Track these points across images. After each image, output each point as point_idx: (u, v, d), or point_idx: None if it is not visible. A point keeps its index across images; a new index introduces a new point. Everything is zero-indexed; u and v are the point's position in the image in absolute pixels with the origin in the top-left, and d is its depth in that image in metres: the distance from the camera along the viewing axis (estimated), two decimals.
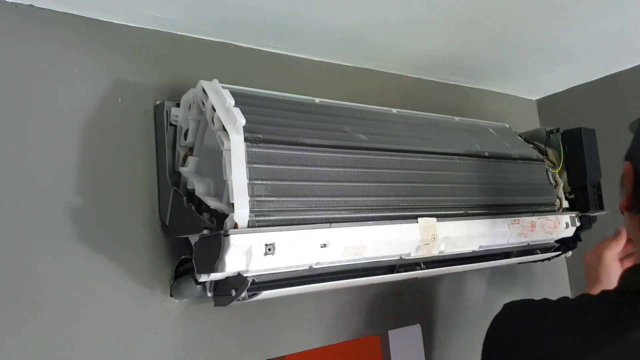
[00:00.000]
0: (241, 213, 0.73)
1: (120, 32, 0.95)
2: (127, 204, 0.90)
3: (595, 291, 0.68)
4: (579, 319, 0.61)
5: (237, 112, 0.78)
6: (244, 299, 0.80)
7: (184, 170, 0.89)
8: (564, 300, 0.68)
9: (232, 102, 0.80)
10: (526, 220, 1.10)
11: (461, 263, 1.05)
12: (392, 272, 0.94)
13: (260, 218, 0.75)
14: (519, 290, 1.50)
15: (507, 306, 0.73)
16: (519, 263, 1.28)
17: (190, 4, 0.91)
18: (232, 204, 0.73)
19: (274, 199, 0.78)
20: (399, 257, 0.92)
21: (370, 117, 1.05)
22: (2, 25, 0.83)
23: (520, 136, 1.34)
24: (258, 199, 0.76)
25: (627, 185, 0.67)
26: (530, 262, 1.27)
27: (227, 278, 0.80)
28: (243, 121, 0.77)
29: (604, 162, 1.31)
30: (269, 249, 0.74)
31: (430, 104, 1.37)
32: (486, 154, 1.14)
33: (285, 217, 0.78)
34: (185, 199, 0.86)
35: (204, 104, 0.83)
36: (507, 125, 1.36)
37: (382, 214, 0.90)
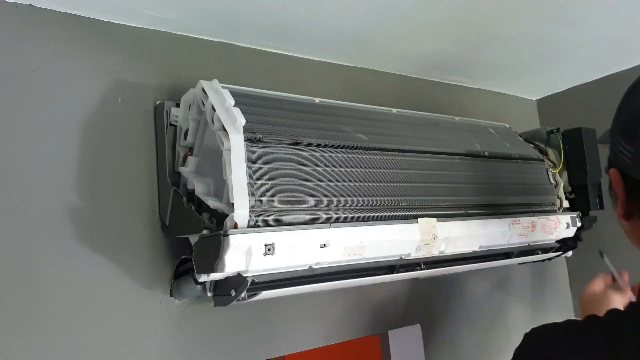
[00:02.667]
0: (241, 213, 0.73)
1: (120, 32, 0.95)
2: (127, 204, 0.90)
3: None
4: (614, 341, 0.57)
5: (237, 112, 0.78)
6: (243, 299, 0.80)
7: (184, 170, 0.89)
8: (592, 320, 0.63)
9: (232, 102, 0.80)
10: (527, 220, 1.10)
11: (461, 263, 1.05)
12: (392, 272, 0.93)
13: (260, 218, 0.75)
14: (519, 290, 1.50)
15: (530, 335, 0.66)
16: (519, 263, 1.28)
17: (190, 4, 0.91)
18: (232, 203, 0.73)
19: (274, 198, 0.78)
20: (399, 257, 0.92)
21: (370, 117, 1.05)
22: (2, 25, 0.83)
23: (521, 136, 1.34)
24: (258, 198, 0.76)
25: (619, 191, 0.63)
26: (530, 262, 1.27)
27: (226, 278, 0.79)
28: (243, 121, 0.77)
29: (605, 161, 1.31)
30: (269, 249, 0.74)
31: (430, 104, 1.37)
32: (486, 153, 1.14)
33: (285, 217, 0.78)
34: (185, 199, 0.86)
35: (203, 104, 0.83)
36: (507, 125, 1.36)
37: (382, 214, 0.90)
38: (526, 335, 0.66)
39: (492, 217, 1.05)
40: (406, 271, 0.96)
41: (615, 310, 0.62)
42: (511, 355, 0.65)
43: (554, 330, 0.65)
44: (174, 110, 0.93)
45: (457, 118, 1.25)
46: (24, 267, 0.80)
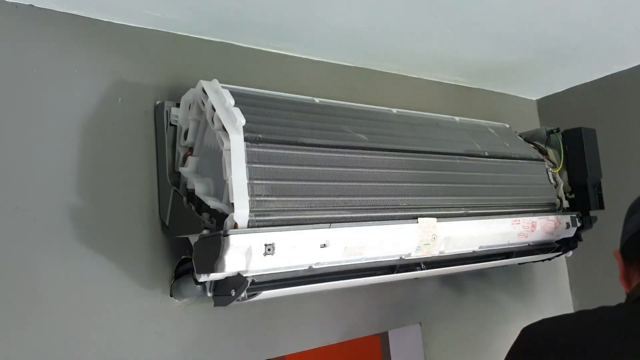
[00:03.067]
0: (241, 213, 0.73)
1: (120, 32, 0.95)
2: (127, 204, 0.90)
3: None
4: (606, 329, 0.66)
5: (237, 112, 0.78)
6: (243, 299, 0.80)
7: (184, 170, 0.89)
8: (583, 312, 0.73)
9: (232, 102, 0.80)
10: (527, 220, 1.10)
11: (461, 263, 1.05)
12: (392, 272, 0.94)
13: (260, 218, 0.75)
14: (519, 290, 1.50)
15: (526, 330, 0.71)
16: (519, 263, 1.28)
17: (190, 4, 0.91)
18: (232, 203, 0.73)
19: (274, 198, 0.78)
20: (399, 257, 0.92)
21: (370, 117, 1.05)
22: (2, 25, 0.83)
23: (520, 136, 1.34)
24: (258, 198, 0.76)
25: (618, 260, 0.80)
26: (530, 262, 1.27)
27: (226, 278, 0.79)
28: (243, 121, 0.77)
29: (604, 161, 1.31)
30: (269, 249, 0.74)
31: (431, 104, 1.37)
32: (486, 153, 1.14)
33: (285, 217, 0.78)
34: (185, 199, 0.86)
35: (203, 104, 0.83)
36: (507, 125, 1.36)
37: (382, 214, 0.90)
38: (523, 329, 0.69)
39: (492, 217, 1.05)
40: (406, 271, 0.96)
41: (605, 306, 0.72)
42: None
43: (548, 323, 0.70)
44: (174, 110, 0.93)
45: (457, 118, 1.25)
46: (24, 267, 0.80)
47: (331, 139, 0.90)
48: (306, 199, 0.81)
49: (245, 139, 0.78)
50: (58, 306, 0.81)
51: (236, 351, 0.98)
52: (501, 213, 1.08)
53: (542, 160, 1.26)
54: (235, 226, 0.73)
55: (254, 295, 0.80)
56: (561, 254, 1.26)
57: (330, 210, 0.84)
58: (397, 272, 0.94)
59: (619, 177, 1.42)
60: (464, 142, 1.14)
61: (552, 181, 1.25)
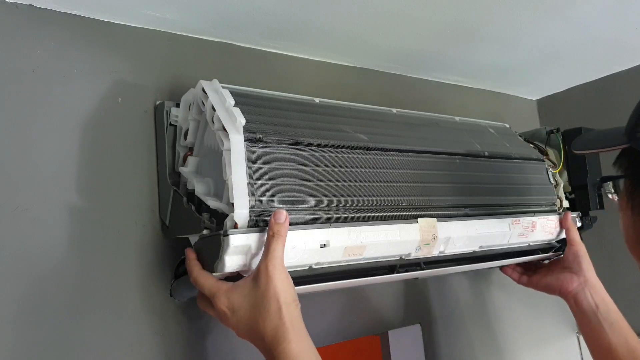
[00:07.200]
0: (241, 213, 0.74)
1: (120, 32, 0.95)
2: (127, 204, 0.90)
3: None
4: None
5: (237, 112, 0.78)
6: None
7: (184, 170, 0.89)
8: None
9: (232, 102, 0.80)
10: (527, 220, 1.10)
11: (461, 263, 1.05)
12: (392, 272, 0.93)
13: (260, 218, 0.76)
14: (519, 290, 1.50)
15: None
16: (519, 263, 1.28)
17: (190, 4, 0.91)
18: (232, 203, 0.73)
19: (274, 198, 0.78)
20: (399, 257, 0.92)
21: (370, 117, 1.05)
22: (2, 25, 0.83)
23: (520, 136, 1.34)
24: (258, 198, 0.76)
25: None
26: (530, 262, 1.27)
27: (227, 278, 0.79)
28: (243, 121, 0.77)
29: (605, 161, 1.31)
30: None
31: (430, 104, 1.37)
32: (486, 153, 1.14)
33: None
34: (185, 199, 0.86)
35: (203, 104, 0.83)
36: (507, 125, 1.36)
37: (382, 214, 0.90)
38: None
39: (492, 217, 1.05)
40: (406, 271, 0.96)
41: None
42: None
43: None
44: (174, 110, 0.93)
45: (457, 118, 1.25)
46: (24, 267, 0.80)
47: (331, 139, 0.90)
48: (306, 199, 0.81)
49: (245, 139, 0.78)
50: (57, 306, 0.81)
51: (236, 351, 0.98)
52: (501, 213, 1.08)
53: (542, 160, 1.26)
54: (235, 226, 0.73)
55: None
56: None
57: (330, 210, 0.84)
58: (397, 272, 0.94)
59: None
60: (464, 142, 1.14)
61: (552, 181, 1.25)
